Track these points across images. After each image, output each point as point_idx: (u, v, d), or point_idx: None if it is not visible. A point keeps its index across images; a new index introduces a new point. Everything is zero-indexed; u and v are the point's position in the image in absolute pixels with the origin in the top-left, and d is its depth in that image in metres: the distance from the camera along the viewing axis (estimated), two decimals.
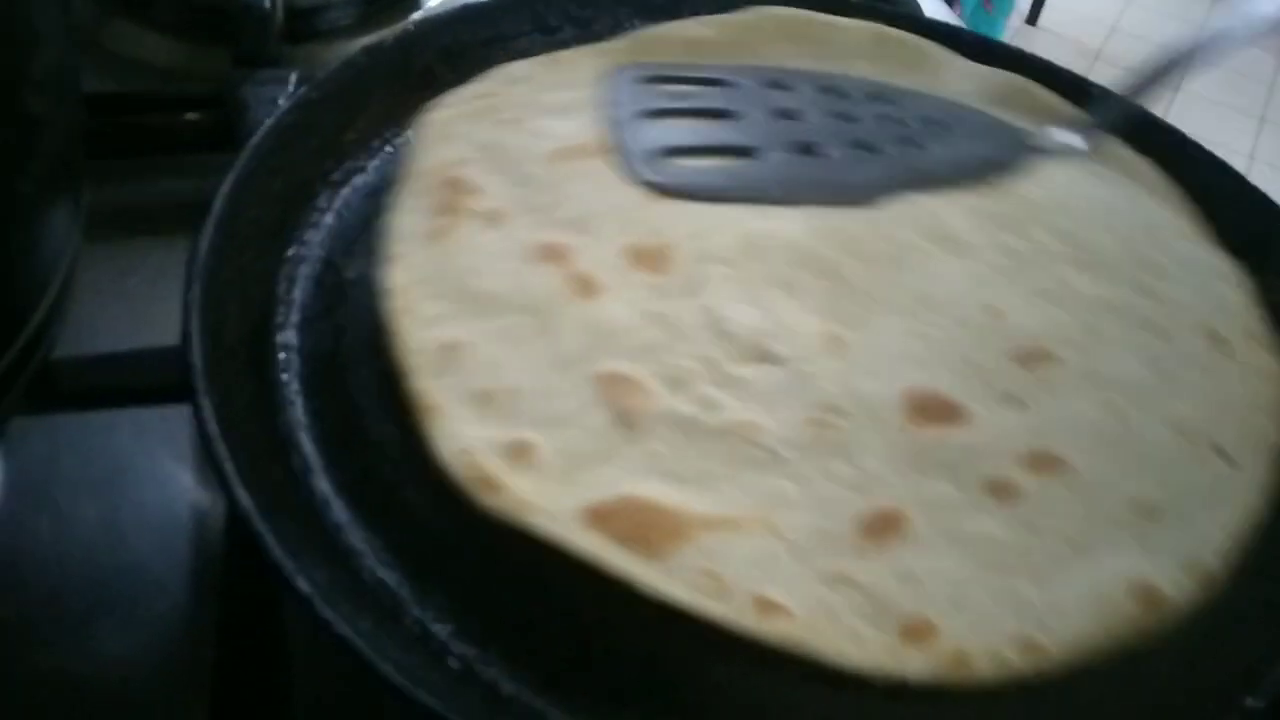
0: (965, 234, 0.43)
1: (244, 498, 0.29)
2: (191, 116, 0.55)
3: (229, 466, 0.30)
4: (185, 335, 0.33)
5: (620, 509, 0.32)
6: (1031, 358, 0.39)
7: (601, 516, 0.32)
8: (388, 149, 0.45)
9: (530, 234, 0.40)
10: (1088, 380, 0.39)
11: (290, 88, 0.51)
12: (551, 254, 0.40)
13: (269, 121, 0.41)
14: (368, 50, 0.46)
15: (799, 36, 0.52)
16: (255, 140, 0.40)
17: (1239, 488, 0.37)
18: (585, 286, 0.39)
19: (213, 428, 0.31)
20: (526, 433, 0.34)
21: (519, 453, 0.33)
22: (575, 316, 0.37)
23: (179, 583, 0.41)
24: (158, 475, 0.45)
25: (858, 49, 0.53)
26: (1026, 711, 0.31)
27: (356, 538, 0.32)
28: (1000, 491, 0.35)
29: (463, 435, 0.33)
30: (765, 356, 0.37)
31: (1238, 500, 0.36)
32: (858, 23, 0.53)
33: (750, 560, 0.31)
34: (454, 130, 0.44)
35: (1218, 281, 0.45)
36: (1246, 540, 0.35)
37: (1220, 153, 0.51)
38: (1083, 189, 0.47)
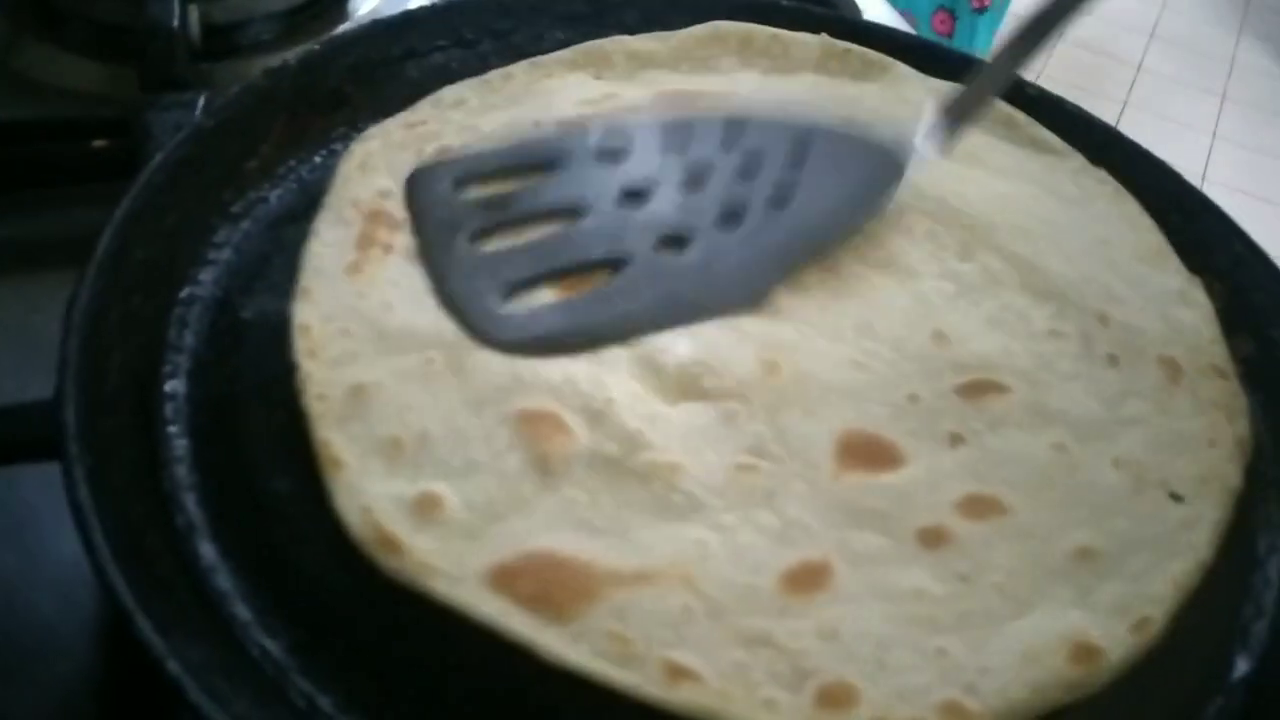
0: (910, 260, 0.41)
1: (113, 573, 0.27)
2: (99, 144, 0.53)
3: (98, 539, 0.28)
4: (58, 392, 0.31)
5: (527, 567, 0.30)
6: (976, 389, 0.37)
7: (507, 577, 0.30)
8: (292, 178, 0.43)
9: None
10: (1035, 415, 0.37)
11: (198, 112, 0.49)
12: None
13: (159, 155, 0.39)
14: (269, 73, 0.44)
15: (747, 50, 0.51)
16: (144, 175, 0.38)
17: (1189, 533, 0.35)
18: None
19: (83, 496, 0.29)
20: (435, 485, 0.32)
21: (425, 508, 0.31)
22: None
23: (83, 643, 0.39)
24: (63, 529, 0.43)
25: (806, 61, 0.51)
26: None
27: (241, 606, 0.30)
28: (934, 540, 0.33)
29: (366, 491, 0.32)
30: (696, 392, 0.36)
31: (1186, 547, 0.34)
32: (805, 36, 0.52)
33: (663, 620, 0.30)
34: (379, 162, 0.42)
35: (1176, 306, 0.42)
36: (1193, 586, 0.33)
37: (1183, 132, 0.50)
38: (1035, 207, 0.45)
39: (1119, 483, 0.36)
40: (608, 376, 0.36)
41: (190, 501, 0.32)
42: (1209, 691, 0.32)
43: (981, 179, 0.46)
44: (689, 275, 0.39)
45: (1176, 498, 0.36)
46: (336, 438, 0.33)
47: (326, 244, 0.39)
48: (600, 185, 0.41)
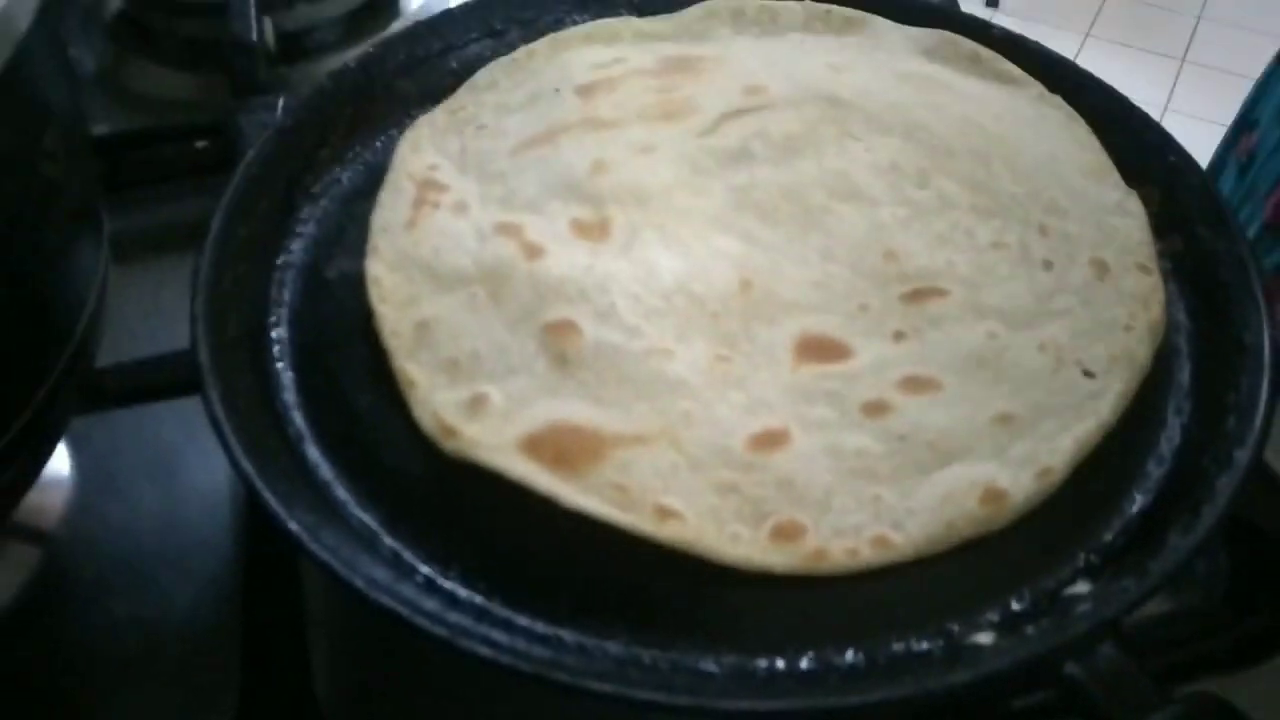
0: (873, 191, 0.48)
1: (245, 464, 0.37)
2: (200, 144, 0.63)
3: (232, 440, 0.38)
4: (193, 339, 0.41)
5: (549, 435, 0.39)
6: (920, 295, 0.44)
7: (534, 444, 0.39)
8: (359, 161, 0.52)
9: (490, 218, 0.48)
10: (971, 311, 0.44)
11: (279, 112, 0.58)
12: (506, 230, 0.47)
13: (251, 151, 0.49)
14: (333, 75, 0.53)
15: (739, 20, 0.59)
16: (240, 169, 0.48)
17: (1095, 402, 0.41)
18: (533, 251, 0.45)
19: (218, 411, 0.39)
20: (484, 388, 0.41)
21: (476, 405, 0.41)
22: (524, 276, 0.44)
23: (225, 542, 0.50)
24: (203, 456, 0.53)
25: (793, 24, 0.59)
26: (876, 593, 0.37)
27: (340, 490, 0.39)
28: (877, 411, 0.41)
29: (433, 400, 0.41)
30: (686, 294, 0.44)
31: (1091, 412, 0.41)
32: (790, 4, 0.60)
33: (655, 473, 0.38)
34: (428, 143, 0.52)
35: (1113, 215, 0.49)
36: (1095, 443, 0.40)
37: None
38: (993, 129, 0.52)
39: (1041, 363, 0.43)
40: (613, 286, 0.44)
41: (297, 417, 0.42)
42: (1108, 521, 0.40)
43: (948, 105, 0.53)
44: None
45: (1089, 374, 0.43)
46: (410, 365, 0.42)
47: (388, 209, 0.48)
48: None
